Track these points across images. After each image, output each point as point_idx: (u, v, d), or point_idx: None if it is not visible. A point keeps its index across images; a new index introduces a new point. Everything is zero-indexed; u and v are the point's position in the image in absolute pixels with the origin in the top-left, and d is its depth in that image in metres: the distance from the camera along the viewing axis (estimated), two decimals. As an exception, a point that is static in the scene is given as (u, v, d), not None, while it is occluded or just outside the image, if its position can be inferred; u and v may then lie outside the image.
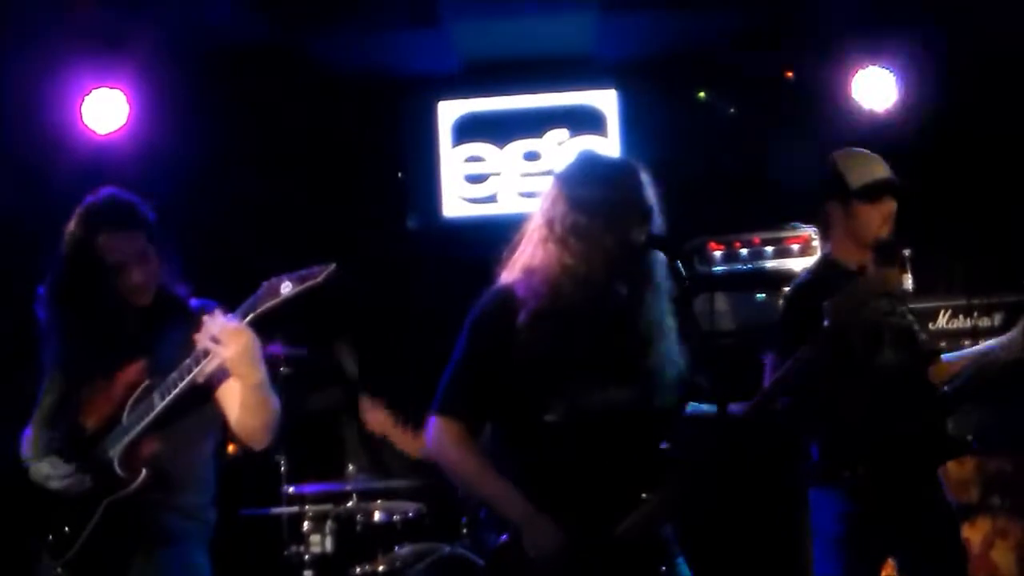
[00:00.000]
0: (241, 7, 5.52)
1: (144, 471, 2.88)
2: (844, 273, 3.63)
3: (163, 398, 2.87)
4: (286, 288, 2.69)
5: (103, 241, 3.00)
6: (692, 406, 2.78)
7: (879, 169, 3.76)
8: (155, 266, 3.07)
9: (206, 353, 2.78)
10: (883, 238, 3.66)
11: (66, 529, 2.91)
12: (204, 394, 2.95)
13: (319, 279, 2.67)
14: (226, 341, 2.74)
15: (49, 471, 2.97)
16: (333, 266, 2.68)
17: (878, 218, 3.68)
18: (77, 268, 3.01)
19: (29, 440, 3.08)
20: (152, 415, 2.88)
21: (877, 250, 3.58)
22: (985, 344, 3.80)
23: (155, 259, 3.07)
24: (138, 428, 2.89)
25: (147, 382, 2.93)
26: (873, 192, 3.69)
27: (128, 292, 3.03)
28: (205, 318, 2.79)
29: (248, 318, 2.76)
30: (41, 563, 2.97)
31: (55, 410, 3.05)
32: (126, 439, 2.90)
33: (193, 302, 3.10)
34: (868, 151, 3.85)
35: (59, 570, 2.91)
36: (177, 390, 2.84)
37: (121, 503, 2.88)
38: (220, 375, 2.90)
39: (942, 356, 3.81)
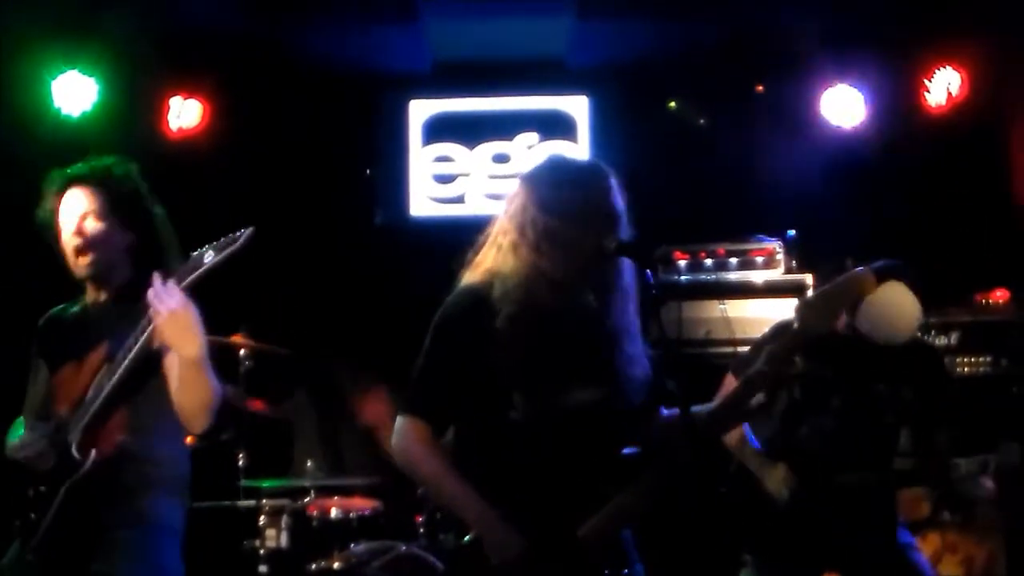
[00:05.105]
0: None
1: (93, 453, 2.86)
2: None
3: (111, 376, 2.86)
4: (208, 257, 2.72)
5: (62, 199, 3.01)
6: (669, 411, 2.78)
7: (891, 336, 3.61)
8: (110, 230, 3.01)
9: (149, 321, 2.79)
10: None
11: (32, 515, 2.90)
12: (156, 366, 2.91)
13: (238, 244, 2.69)
14: (162, 301, 2.74)
15: (17, 442, 2.98)
16: (252, 230, 2.69)
17: None
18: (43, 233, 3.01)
19: (16, 427, 3.09)
20: (102, 395, 2.87)
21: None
22: None
23: (112, 223, 3.01)
24: (91, 410, 2.88)
25: (106, 366, 2.91)
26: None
27: (73, 253, 2.98)
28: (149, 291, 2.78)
29: (178, 287, 2.76)
30: (13, 549, 2.96)
31: (41, 399, 3.05)
32: (82, 422, 2.89)
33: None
34: (905, 305, 3.63)
35: (29, 556, 2.89)
36: (123, 366, 2.84)
37: (81, 486, 2.86)
38: (166, 345, 2.87)
39: None
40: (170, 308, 2.73)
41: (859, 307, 3.54)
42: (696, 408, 2.68)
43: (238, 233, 2.70)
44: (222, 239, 2.72)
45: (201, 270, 2.73)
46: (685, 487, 2.60)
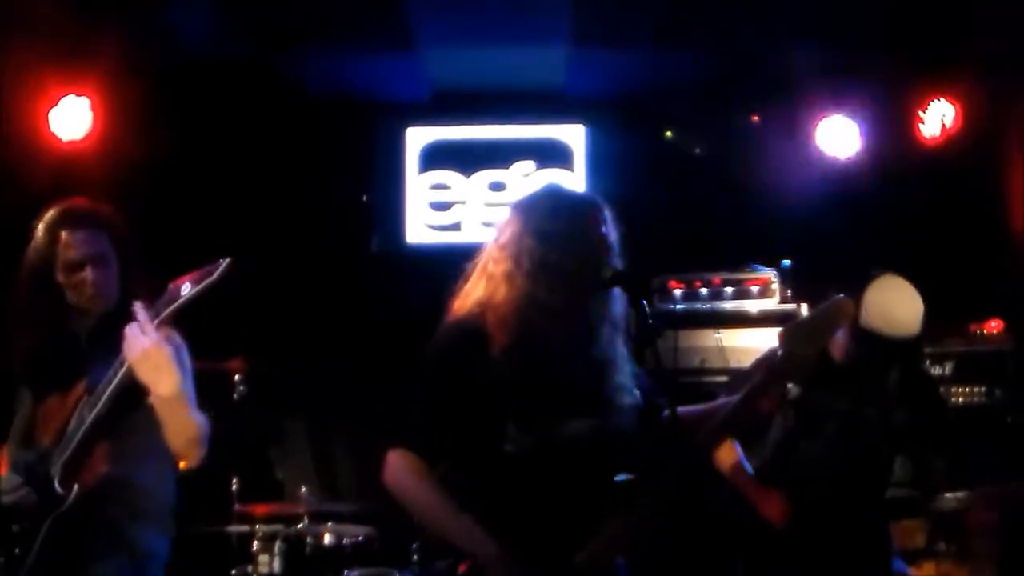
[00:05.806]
0: (214, 23, 5.52)
1: (76, 487, 2.85)
2: None
3: (92, 408, 2.85)
4: (185, 289, 2.71)
5: (64, 238, 3.03)
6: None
7: (900, 323, 3.56)
8: (114, 271, 3.05)
9: (123, 361, 2.80)
10: None
11: (17, 551, 2.88)
12: (138, 397, 2.89)
13: (215, 277, 2.68)
14: (129, 344, 2.75)
15: (1, 486, 2.97)
16: (229, 261, 2.69)
17: None
18: (37, 271, 3.01)
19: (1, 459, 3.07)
20: (83, 428, 2.86)
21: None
22: None
23: (115, 265, 3.06)
24: (72, 443, 2.87)
25: (86, 396, 2.90)
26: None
27: (85, 296, 3.01)
28: (127, 328, 2.79)
29: (152, 324, 2.76)
30: None
31: (24, 428, 3.04)
32: (64, 455, 2.88)
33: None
34: (907, 292, 3.61)
35: None
36: (102, 402, 2.83)
37: (65, 520, 2.85)
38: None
39: None
40: (142, 347, 2.73)
41: (863, 306, 3.52)
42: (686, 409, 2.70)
43: (214, 265, 2.69)
44: (200, 270, 2.72)
45: (178, 303, 2.72)
46: (679, 508, 2.60)
